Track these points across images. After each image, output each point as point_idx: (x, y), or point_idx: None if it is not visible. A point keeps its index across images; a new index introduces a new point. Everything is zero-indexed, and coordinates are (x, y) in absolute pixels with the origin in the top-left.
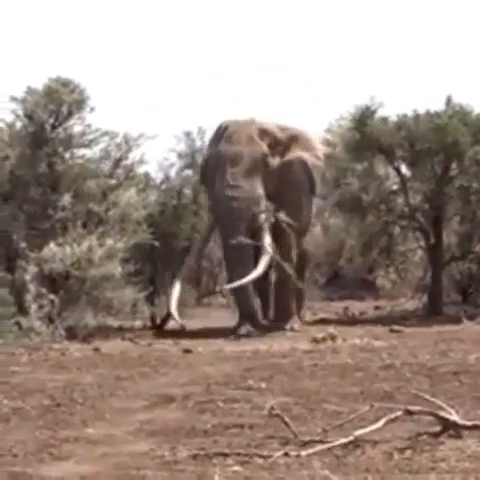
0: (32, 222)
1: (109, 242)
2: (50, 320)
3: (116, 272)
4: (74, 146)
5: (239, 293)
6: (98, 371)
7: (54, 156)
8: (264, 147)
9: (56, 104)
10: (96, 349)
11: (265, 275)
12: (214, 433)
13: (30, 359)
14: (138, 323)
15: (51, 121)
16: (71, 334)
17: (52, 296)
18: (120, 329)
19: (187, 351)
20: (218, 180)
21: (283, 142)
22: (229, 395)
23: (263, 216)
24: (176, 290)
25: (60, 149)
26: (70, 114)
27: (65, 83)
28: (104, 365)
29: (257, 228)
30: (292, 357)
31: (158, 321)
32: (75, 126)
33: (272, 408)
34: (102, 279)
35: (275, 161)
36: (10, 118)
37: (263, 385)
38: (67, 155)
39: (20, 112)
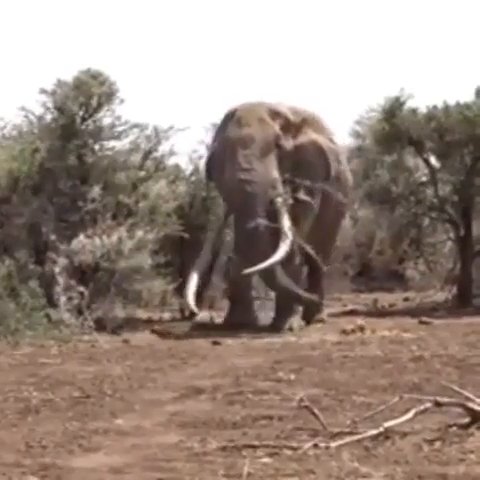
0: (62, 214)
1: (139, 234)
2: (79, 312)
3: (145, 264)
4: (104, 138)
5: (266, 279)
6: (127, 363)
7: (84, 148)
8: (277, 128)
9: (86, 96)
10: (125, 341)
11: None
12: (243, 425)
13: (60, 351)
14: (167, 315)
15: (81, 113)
16: (100, 326)
17: (81, 288)
18: (149, 321)
19: (216, 343)
20: (229, 165)
21: (296, 124)
22: (258, 387)
23: (280, 199)
24: (192, 283)
25: (90, 141)
26: (100, 106)
27: (95, 75)
28: (133, 357)
29: (275, 212)
30: (321, 349)
31: (187, 313)
32: (105, 118)
33: (301, 400)
34: (131, 271)
35: (289, 143)
36: (40, 111)
37: (292, 377)
38: (97, 147)
39: (50, 105)
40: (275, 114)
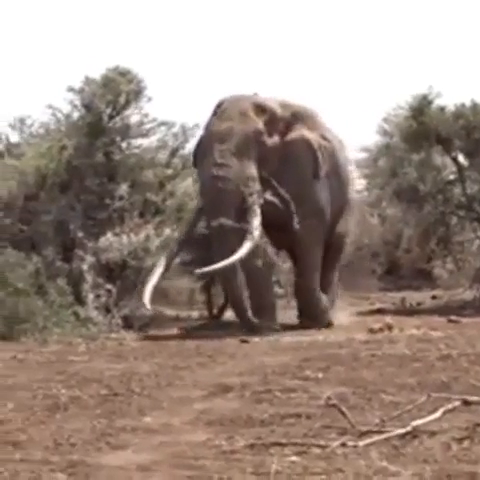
0: (89, 212)
1: (166, 232)
2: (107, 310)
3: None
4: (131, 136)
5: (225, 281)
6: (155, 360)
7: (111, 146)
8: (259, 124)
9: (114, 94)
10: (153, 338)
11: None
12: (271, 423)
13: (87, 348)
14: (195, 313)
15: (108, 111)
16: (127, 324)
17: (109, 286)
18: (176, 319)
19: (244, 341)
20: (205, 159)
21: (284, 120)
22: (286, 385)
23: (253, 198)
24: (154, 277)
25: (117, 139)
26: (127, 104)
27: (123, 73)
28: (161, 355)
29: (246, 210)
30: (349, 347)
31: (215, 311)
32: (132, 116)
33: (329, 398)
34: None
35: (273, 140)
36: (68, 108)
37: (320, 375)
38: (124, 145)
39: (78, 102)
40: (260, 109)
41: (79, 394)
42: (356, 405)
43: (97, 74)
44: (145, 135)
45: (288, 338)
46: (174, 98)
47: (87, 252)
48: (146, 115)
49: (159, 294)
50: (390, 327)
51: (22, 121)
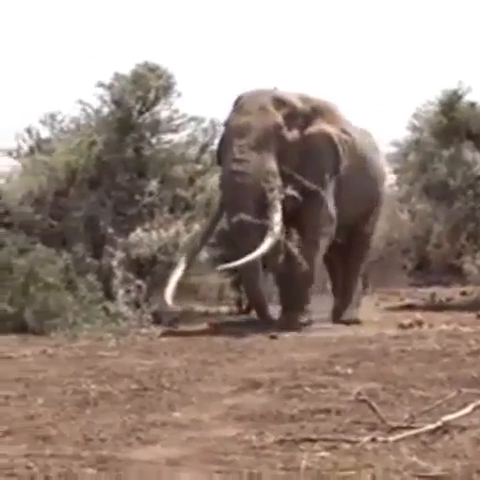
0: (119, 208)
1: (196, 227)
2: (137, 305)
3: (202, 257)
4: (161, 131)
5: (244, 278)
6: (184, 356)
7: (141, 141)
8: (278, 118)
9: (143, 90)
10: (182, 334)
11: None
12: (301, 418)
13: (117, 344)
14: (224, 308)
15: (138, 107)
16: (157, 319)
17: (139, 281)
18: (206, 314)
19: (273, 337)
20: (226, 155)
21: (304, 114)
22: (316, 380)
23: (274, 193)
24: (176, 275)
25: (147, 134)
26: (157, 99)
27: (152, 69)
28: (190, 350)
29: (267, 206)
30: (379, 343)
31: (244, 306)
32: (162, 111)
33: (359, 393)
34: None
35: (293, 134)
36: (97, 104)
37: (350, 371)
38: (154, 140)
39: (107, 98)
40: (280, 103)
41: (109, 389)
42: (386, 400)
43: (127, 70)
44: (175, 131)
45: (317, 334)
46: (204, 93)
47: (117, 248)
48: (176, 111)
49: (189, 290)
50: (420, 323)
51: (52, 117)
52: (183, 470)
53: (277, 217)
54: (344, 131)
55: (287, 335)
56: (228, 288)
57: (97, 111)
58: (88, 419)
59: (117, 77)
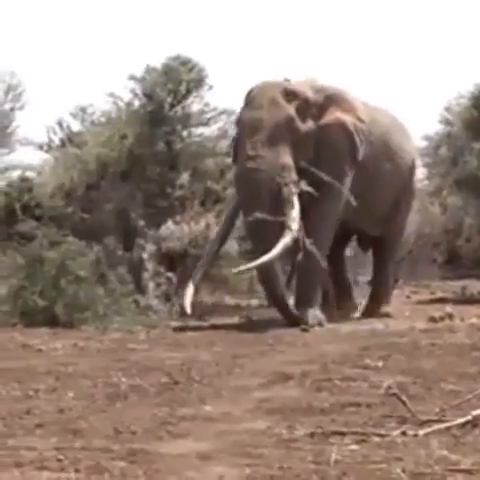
0: (150, 200)
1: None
2: (167, 298)
3: (233, 250)
4: (192, 125)
5: (263, 277)
6: (215, 349)
7: (172, 135)
8: (290, 110)
9: (175, 83)
10: (213, 327)
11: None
12: (331, 411)
13: (148, 337)
14: (255, 302)
15: (169, 100)
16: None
17: (169, 274)
18: (237, 307)
19: (304, 330)
20: (239, 153)
21: (318, 104)
22: (346, 374)
23: (289, 188)
24: (196, 277)
25: (178, 127)
26: (188, 92)
27: (184, 62)
28: (221, 343)
29: (283, 202)
30: (409, 336)
31: None
32: (193, 104)
33: (389, 387)
34: (219, 257)
35: (307, 126)
36: (129, 97)
37: (380, 364)
38: (185, 133)
39: (139, 91)
40: (291, 94)
41: (139, 382)
42: (416, 394)
43: (158, 63)
44: (206, 124)
45: (348, 327)
46: (235, 86)
47: (148, 241)
48: (207, 104)
49: (219, 282)
50: (451, 316)
51: (83, 109)
52: (213, 464)
53: (294, 213)
54: (360, 119)
55: (317, 328)
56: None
57: (128, 104)
58: (118, 412)
59: (148, 70)
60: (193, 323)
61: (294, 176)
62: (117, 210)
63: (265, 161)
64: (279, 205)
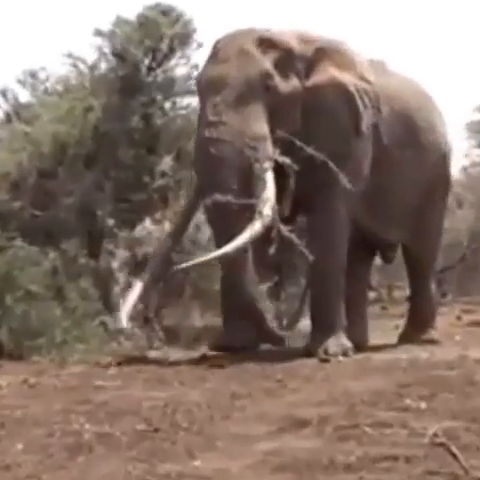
0: (122, 192)
1: None
2: (145, 320)
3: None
4: (176, 93)
5: (226, 277)
6: (207, 386)
7: (151, 107)
8: (265, 64)
9: (153, 39)
10: (204, 357)
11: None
12: (360, 467)
13: (120, 370)
14: None
15: (147, 61)
16: (172, 338)
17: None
18: None
19: (324, 360)
20: (199, 120)
21: (306, 58)
22: (379, 418)
23: (262, 164)
24: (139, 284)
25: (158, 97)
26: (172, 52)
27: (165, 12)
28: (215, 378)
29: (253, 181)
30: (461, 368)
31: (285, 321)
32: (178, 67)
33: (435, 435)
34: (212, 266)
35: (290, 85)
36: (93, 58)
37: (423, 405)
38: (167, 105)
39: (106, 50)
40: (269, 44)
41: (109, 430)
42: (470, 444)
43: (132, 13)
44: (194, 92)
45: (381, 357)
46: None
47: (119, 245)
48: (196, 66)
49: (211, 299)
50: None
51: (34, 75)
52: None
53: (266, 195)
54: (363, 78)
55: (342, 358)
56: (264, 297)
57: (93, 67)
58: (81, 469)
59: (119, 22)
60: (179, 352)
61: (269, 149)
62: (79, 205)
63: (230, 129)
64: (248, 186)
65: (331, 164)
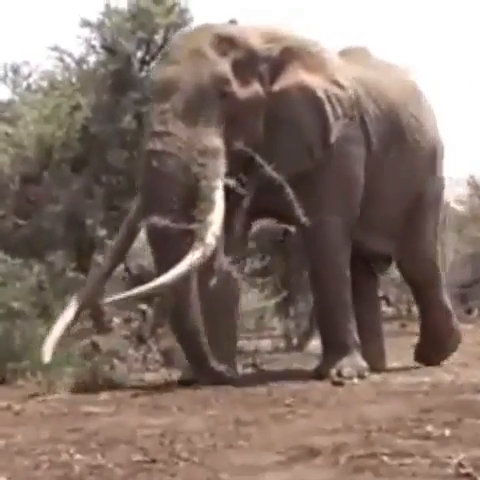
0: (113, 199)
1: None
2: (140, 339)
3: (235, 270)
4: None
5: (172, 312)
6: (209, 413)
7: (144, 104)
8: (221, 67)
9: (147, 30)
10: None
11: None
12: None
13: (112, 396)
14: (266, 343)
15: (140, 54)
16: (169, 359)
17: (143, 305)
18: (240, 352)
19: (336, 383)
20: (147, 129)
21: (270, 59)
22: (398, 446)
23: (210, 181)
24: (64, 318)
25: None
26: (166, 44)
27: (159, 0)
28: (218, 404)
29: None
30: None
31: (295, 341)
32: None
33: (460, 465)
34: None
35: (250, 90)
36: (81, 51)
37: (447, 432)
38: None
39: (95, 42)
40: (227, 43)
41: (101, 461)
42: None
43: (123, 3)
44: None
45: (400, 379)
46: None
47: None
48: None
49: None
50: None
51: (15, 70)
52: None
53: (211, 218)
54: (337, 83)
55: (356, 381)
56: (272, 314)
57: (80, 61)
58: None
59: (109, 12)
60: (178, 375)
61: (220, 165)
62: (67, 214)
63: (176, 141)
64: (194, 207)
65: (287, 187)
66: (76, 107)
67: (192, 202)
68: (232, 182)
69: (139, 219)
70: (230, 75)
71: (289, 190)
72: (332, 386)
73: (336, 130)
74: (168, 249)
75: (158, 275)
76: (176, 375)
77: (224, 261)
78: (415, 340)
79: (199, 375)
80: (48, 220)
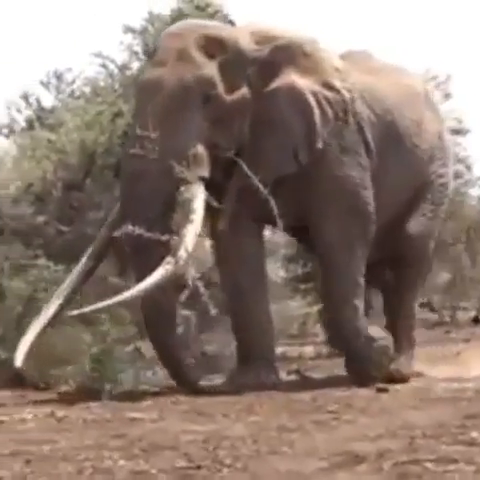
0: None
1: (266, 233)
2: (184, 346)
3: (276, 276)
4: None
5: (147, 322)
6: (253, 419)
7: None
8: (207, 69)
9: None
10: (249, 387)
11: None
12: None
13: (156, 402)
14: (309, 349)
15: None
16: (214, 365)
17: (186, 311)
18: (284, 358)
19: (381, 390)
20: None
21: (259, 61)
22: (442, 453)
23: (191, 189)
24: (36, 325)
25: None
26: None
27: (201, 6)
28: (262, 410)
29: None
30: None
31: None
32: None
33: None
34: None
35: (237, 94)
36: (124, 58)
37: None
38: None
39: (138, 48)
40: (214, 44)
41: (145, 467)
42: None
43: (166, 8)
44: None
45: (444, 384)
46: None
47: None
48: None
49: None
50: None
51: (59, 76)
52: None
53: (187, 229)
54: (329, 85)
55: (399, 387)
56: (315, 320)
57: (123, 67)
58: None
59: (151, 18)
60: (221, 382)
61: (203, 171)
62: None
63: (157, 145)
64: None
65: (266, 194)
66: (118, 114)
67: (172, 208)
68: (209, 197)
69: (119, 221)
70: (216, 78)
71: (269, 197)
72: (376, 392)
73: (324, 135)
74: (143, 258)
75: (136, 282)
76: (219, 381)
77: (193, 276)
78: (459, 347)
79: (173, 378)
80: (91, 226)
